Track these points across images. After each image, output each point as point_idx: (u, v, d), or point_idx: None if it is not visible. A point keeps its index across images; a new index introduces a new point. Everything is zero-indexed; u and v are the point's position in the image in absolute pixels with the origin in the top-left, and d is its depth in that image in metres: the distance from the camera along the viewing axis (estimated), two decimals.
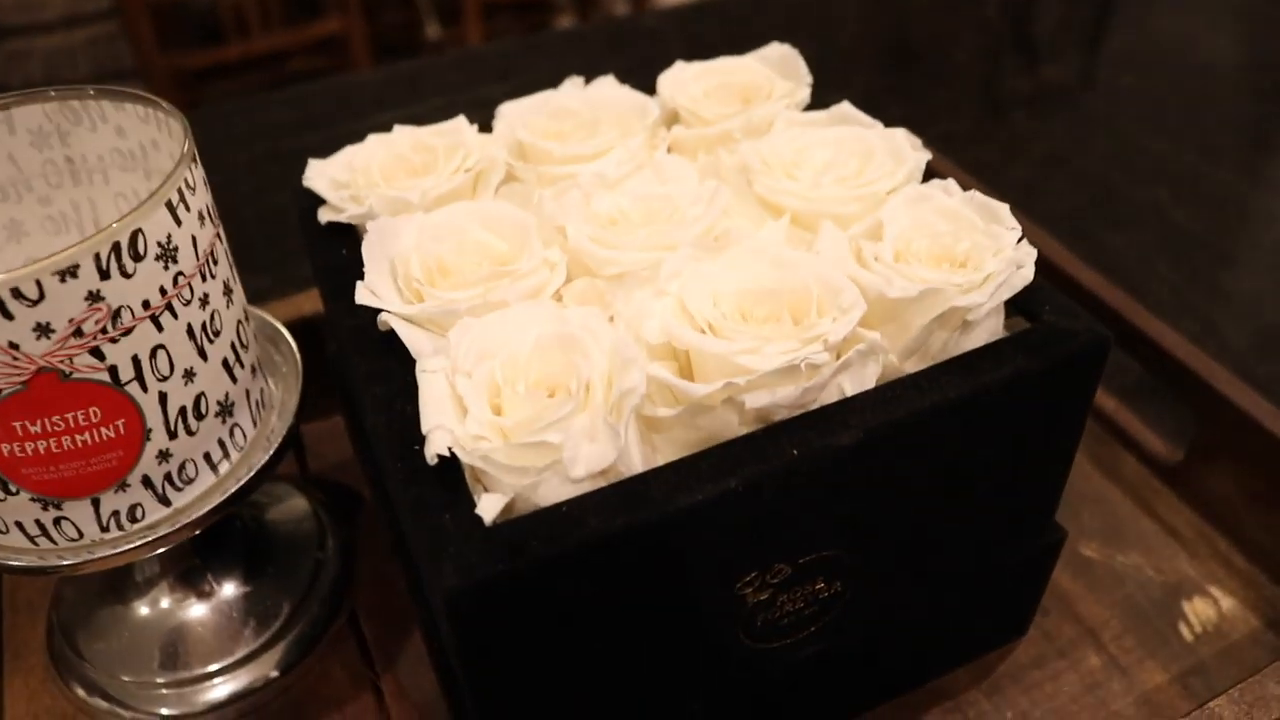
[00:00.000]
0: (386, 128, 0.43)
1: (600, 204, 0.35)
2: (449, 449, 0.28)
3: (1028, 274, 0.32)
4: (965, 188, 0.35)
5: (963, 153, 0.86)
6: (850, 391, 0.31)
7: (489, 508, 0.28)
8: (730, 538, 0.30)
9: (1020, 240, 0.33)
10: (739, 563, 0.31)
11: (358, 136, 0.43)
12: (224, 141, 0.89)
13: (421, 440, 0.29)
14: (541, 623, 0.29)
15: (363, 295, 0.33)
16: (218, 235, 0.37)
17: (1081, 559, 0.50)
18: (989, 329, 0.33)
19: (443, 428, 0.29)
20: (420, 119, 0.44)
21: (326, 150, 0.42)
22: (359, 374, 0.33)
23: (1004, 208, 0.34)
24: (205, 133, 0.40)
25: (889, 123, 0.39)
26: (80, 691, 0.44)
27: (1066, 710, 0.43)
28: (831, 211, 0.35)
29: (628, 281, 0.32)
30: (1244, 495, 0.49)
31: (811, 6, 1.13)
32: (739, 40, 0.48)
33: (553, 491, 0.29)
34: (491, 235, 0.35)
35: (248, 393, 0.40)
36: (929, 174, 0.37)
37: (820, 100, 0.42)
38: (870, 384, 0.32)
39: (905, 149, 0.37)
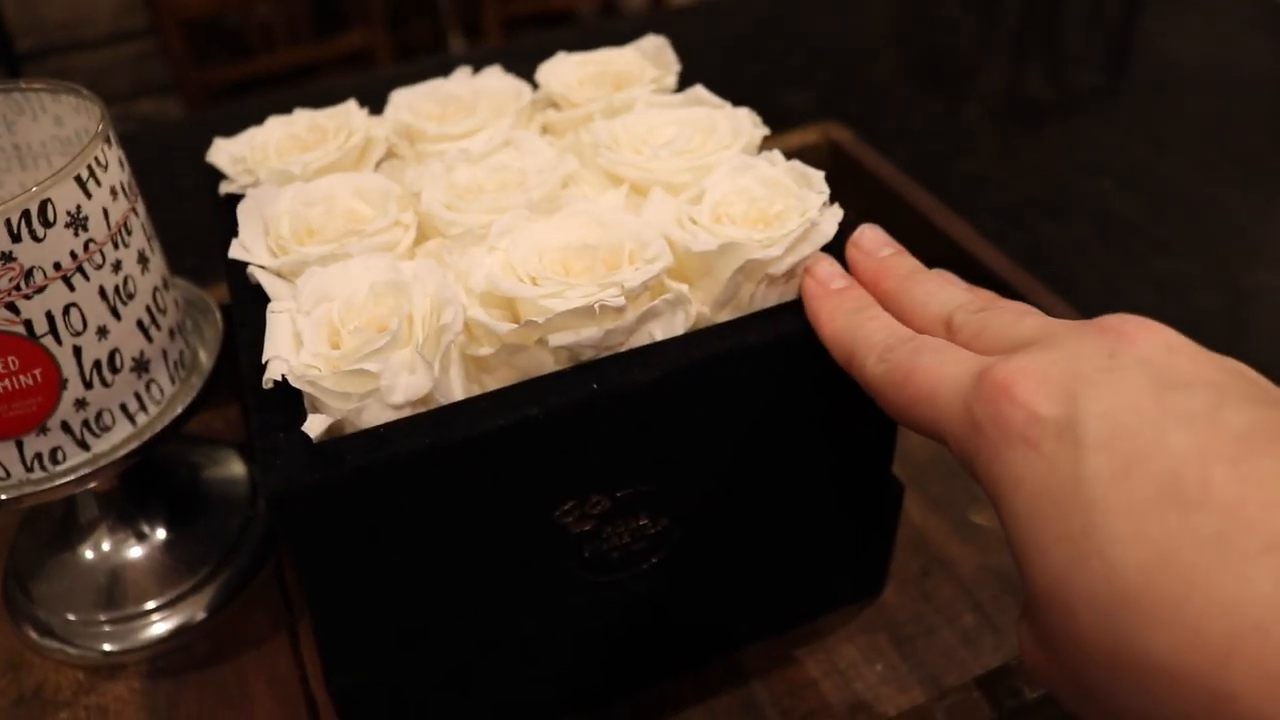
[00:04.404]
0: None
1: (459, 175, 0.39)
2: (282, 375, 0.32)
3: (828, 230, 0.35)
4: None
5: (948, 166, 0.87)
6: (660, 337, 0.35)
7: (315, 426, 0.32)
8: (539, 465, 0.34)
9: (832, 204, 0.36)
10: (553, 490, 0.34)
11: None
12: None
13: None
14: (362, 531, 0.32)
15: (235, 250, 0.37)
16: (133, 209, 0.42)
17: (971, 526, 0.52)
18: None
19: (279, 358, 0.33)
20: None
21: None
22: (234, 319, 0.37)
23: (818, 175, 0.37)
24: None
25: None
26: (31, 632, 0.49)
27: (936, 663, 0.46)
28: (665, 180, 0.38)
29: (464, 239, 0.36)
30: None
31: (791, 19, 1.16)
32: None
33: (374, 416, 0.32)
34: (360, 202, 0.39)
35: (164, 352, 0.44)
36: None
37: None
38: (679, 331, 0.35)
39: (746, 126, 0.40)
